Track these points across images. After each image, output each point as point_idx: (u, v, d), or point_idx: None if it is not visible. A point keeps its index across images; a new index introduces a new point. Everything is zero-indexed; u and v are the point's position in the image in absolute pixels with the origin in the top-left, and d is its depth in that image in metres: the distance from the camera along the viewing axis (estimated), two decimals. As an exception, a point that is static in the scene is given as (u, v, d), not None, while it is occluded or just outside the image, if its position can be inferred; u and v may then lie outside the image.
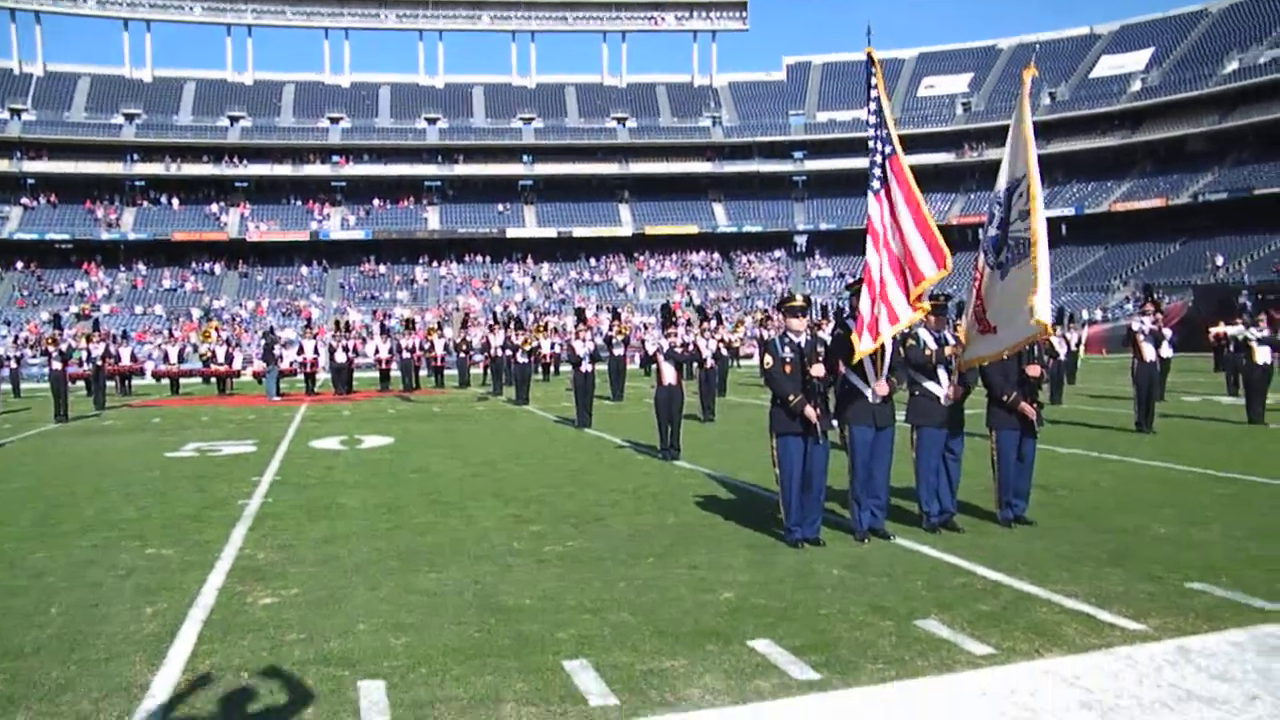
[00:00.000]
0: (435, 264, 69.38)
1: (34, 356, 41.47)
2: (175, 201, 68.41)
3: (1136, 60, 68.15)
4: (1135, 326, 16.14)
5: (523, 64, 77.80)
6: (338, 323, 34.15)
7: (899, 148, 7.85)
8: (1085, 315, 51.56)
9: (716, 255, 72.31)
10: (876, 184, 7.83)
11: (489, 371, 30.81)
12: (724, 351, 23.76)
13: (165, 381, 33.97)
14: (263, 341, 30.17)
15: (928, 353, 8.45)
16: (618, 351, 25.73)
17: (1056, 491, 10.03)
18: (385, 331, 33.55)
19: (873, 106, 7.75)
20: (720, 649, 5.48)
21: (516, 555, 7.73)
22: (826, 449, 7.90)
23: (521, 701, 4.81)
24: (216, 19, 73.04)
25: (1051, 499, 9.60)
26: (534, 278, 68.46)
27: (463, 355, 32.43)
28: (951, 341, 8.58)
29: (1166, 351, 17.85)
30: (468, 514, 9.52)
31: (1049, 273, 7.56)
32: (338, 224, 68.92)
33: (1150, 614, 5.95)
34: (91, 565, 7.71)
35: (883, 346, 7.98)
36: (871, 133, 7.80)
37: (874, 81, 7.77)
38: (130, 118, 68.01)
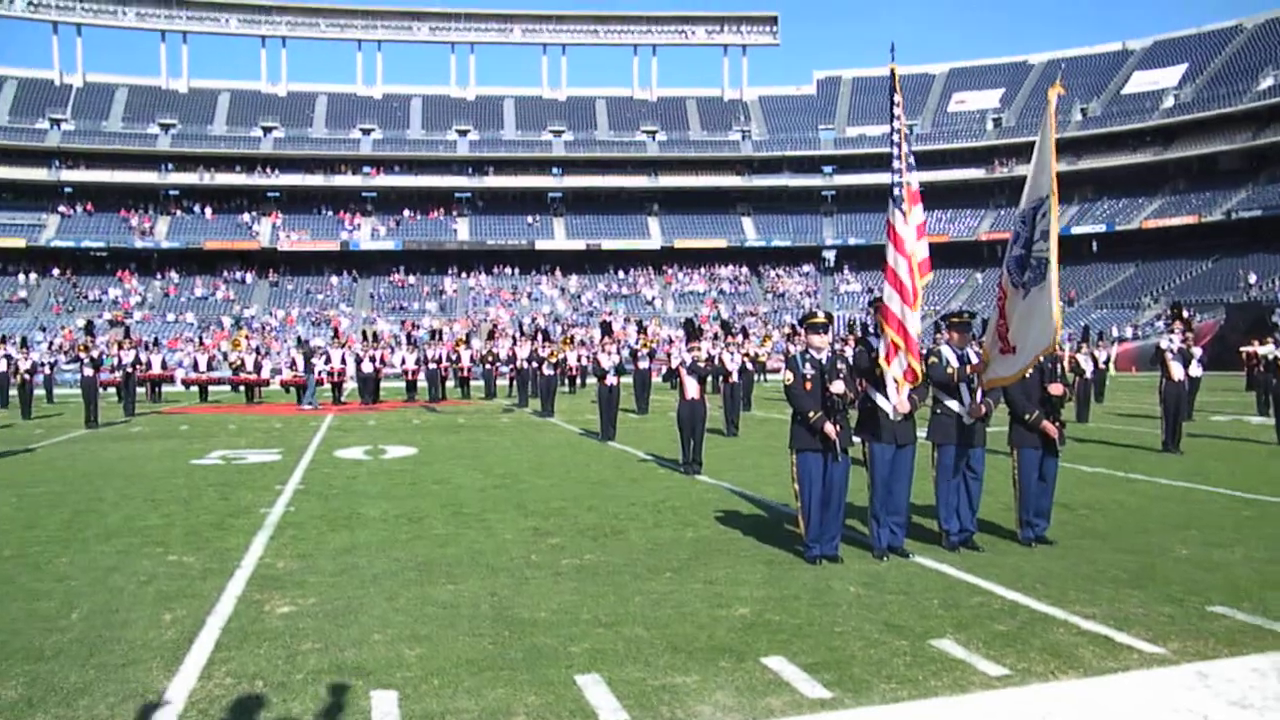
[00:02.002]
0: (464, 275, 69.74)
1: (67, 362, 42.00)
2: (208, 211, 69.16)
3: (1170, 76, 67.68)
4: (1164, 345, 15.99)
5: (553, 77, 78.31)
6: (365, 333, 34.37)
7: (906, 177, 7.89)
8: (1115, 333, 51.17)
9: (745, 269, 72.31)
10: (896, 200, 7.84)
11: (515, 383, 30.93)
12: (749, 366, 23.71)
13: (194, 389, 34.30)
14: (301, 352, 30.36)
15: (950, 370, 8.41)
16: (643, 365, 25.78)
17: (1078, 511, 9.94)
18: (412, 342, 33.80)
19: (895, 125, 7.76)
20: (733, 665, 5.46)
21: (534, 568, 7.74)
22: (846, 466, 7.88)
23: (532, 715, 4.81)
24: (251, 30, 73.90)
25: (1073, 518, 9.52)
26: (562, 290, 68.66)
27: (489, 367, 32.57)
28: (974, 359, 8.55)
29: (1195, 371, 17.65)
30: (488, 526, 9.54)
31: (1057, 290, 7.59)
32: (368, 234, 69.43)
33: (1169, 637, 5.88)
34: (114, 571, 7.78)
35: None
36: (895, 151, 7.81)
37: (896, 99, 7.77)
38: (166, 128, 68.87)
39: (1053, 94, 7.62)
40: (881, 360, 7.81)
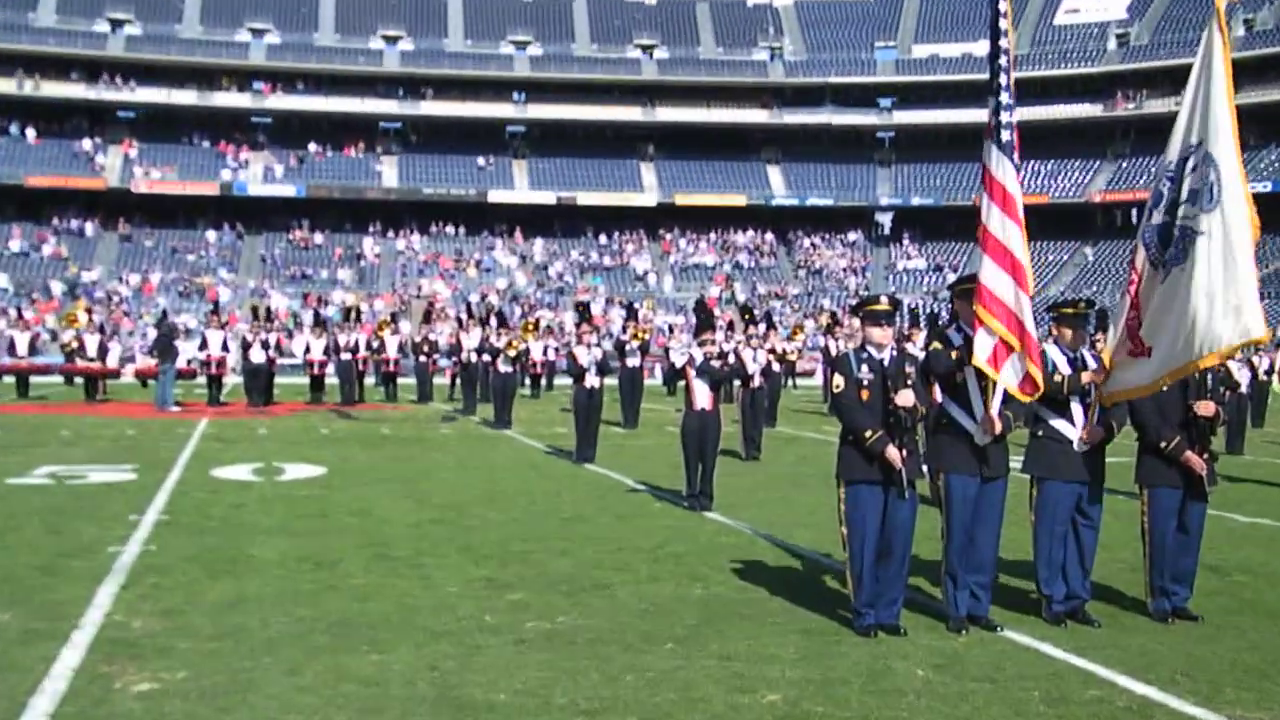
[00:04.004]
0: (390, 234, 69.64)
1: None
2: (30, 133, 68.67)
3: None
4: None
5: (517, -34, 78.20)
6: (255, 309, 34.28)
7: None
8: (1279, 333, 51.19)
9: (770, 236, 72.38)
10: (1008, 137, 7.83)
11: (458, 382, 30.88)
12: (776, 367, 23.73)
13: (11, 380, 34.15)
14: (154, 331, 30.35)
15: (1057, 379, 8.30)
16: (633, 362, 25.75)
17: (1233, 576, 9.92)
18: (320, 324, 33.64)
19: (1003, 44, 7.78)
20: (762, 774, 5.47)
21: (489, 632, 7.75)
22: (914, 504, 7.86)
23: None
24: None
25: (1226, 586, 9.51)
26: (523, 258, 68.68)
27: (424, 359, 32.48)
28: (1092, 364, 8.50)
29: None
30: (424, 574, 9.57)
31: (1251, 267, 7.52)
32: (259, 175, 69.28)
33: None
34: (-101, 631, 7.76)
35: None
36: (1003, 79, 7.82)
37: (1002, 8, 7.78)
38: (-26, 17, 68.31)
39: (1220, 1, 7.60)
40: (983, 365, 7.76)
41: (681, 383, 14.43)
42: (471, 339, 28.94)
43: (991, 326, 7.74)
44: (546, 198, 70.76)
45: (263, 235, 68.71)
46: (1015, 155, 7.87)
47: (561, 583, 9.30)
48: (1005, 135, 7.86)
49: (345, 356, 30.69)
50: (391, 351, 32.52)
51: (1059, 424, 8.41)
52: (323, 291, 60.33)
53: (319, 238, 68.96)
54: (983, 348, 7.77)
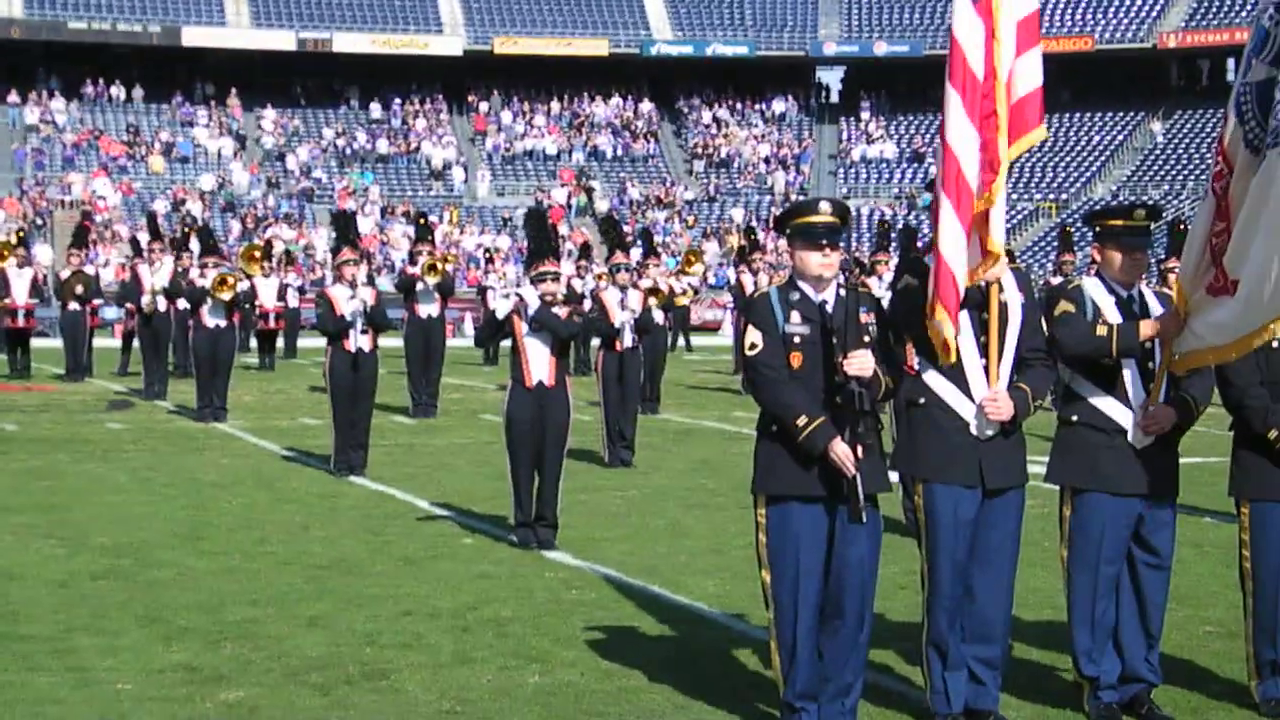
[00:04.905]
0: (14, 98, 68.69)
1: None
2: None
3: None
4: None
5: None
6: None
7: None
8: None
9: (648, 107, 72.55)
10: None
11: (132, 344, 30.70)
12: (659, 317, 23.89)
13: None
14: None
15: (1101, 331, 8.34)
16: (428, 310, 25.75)
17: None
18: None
19: None
20: None
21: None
22: (876, 533, 7.86)
23: None
24: None
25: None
26: (243, 140, 68.19)
27: (76, 307, 32.21)
28: (1156, 309, 8.48)
29: None
30: (79, 663, 9.46)
31: None
32: None
33: None
34: None
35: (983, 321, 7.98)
36: None
37: None
38: None
39: None
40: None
41: (507, 343, 14.45)
42: (159, 274, 28.77)
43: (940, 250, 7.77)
44: (281, 40, 70.23)
45: None
46: None
47: (310, 670, 9.25)
48: None
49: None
50: (20, 296, 32.10)
51: (1104, 404, 8.37)
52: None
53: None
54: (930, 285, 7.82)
